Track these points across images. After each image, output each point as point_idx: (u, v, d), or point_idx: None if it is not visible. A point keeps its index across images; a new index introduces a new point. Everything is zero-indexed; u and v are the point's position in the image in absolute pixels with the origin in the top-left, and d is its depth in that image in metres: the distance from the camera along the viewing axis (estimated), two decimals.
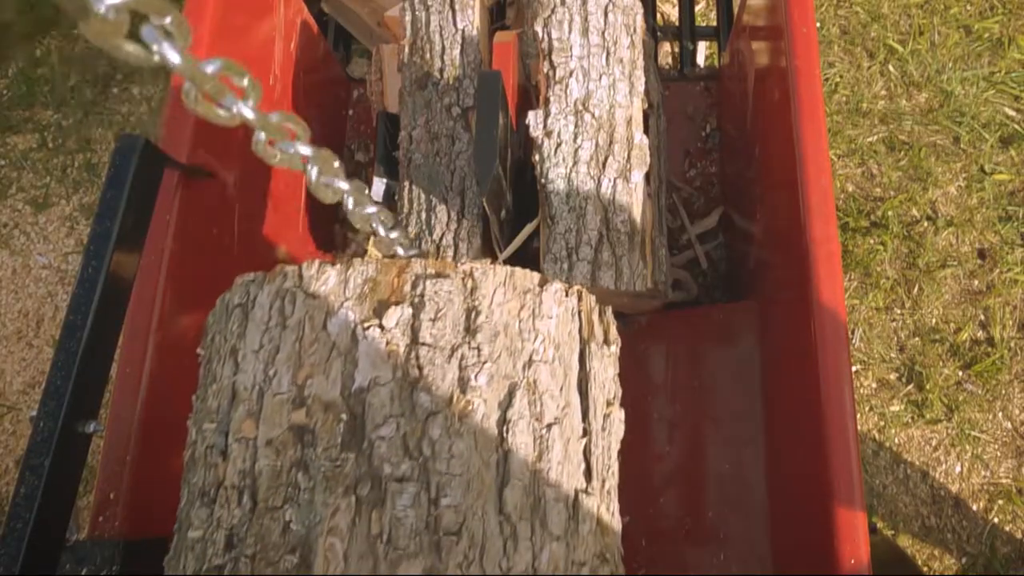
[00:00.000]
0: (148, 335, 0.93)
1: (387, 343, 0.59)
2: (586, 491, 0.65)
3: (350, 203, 0.71)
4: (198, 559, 0.58)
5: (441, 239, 1.11)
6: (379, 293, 0.62)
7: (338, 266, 0.64)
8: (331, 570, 0.52)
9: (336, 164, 0.66)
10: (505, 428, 0.60)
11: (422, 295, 0.61)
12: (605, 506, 0.67)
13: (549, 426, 0.63)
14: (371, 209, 0.75)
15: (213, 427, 0.63)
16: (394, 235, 0.82)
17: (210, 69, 0.50)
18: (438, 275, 0.63)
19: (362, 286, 0.62)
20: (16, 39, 2.29)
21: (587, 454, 0.67)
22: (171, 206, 0.97)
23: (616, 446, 0.73)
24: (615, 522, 0.69)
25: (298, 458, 0.57)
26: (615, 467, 0.72)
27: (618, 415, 0.73)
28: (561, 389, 0.66)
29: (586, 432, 0.68)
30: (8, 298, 2.03)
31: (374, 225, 0.78)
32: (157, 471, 0.94)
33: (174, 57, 0.46)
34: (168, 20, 0.46)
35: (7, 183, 2.14)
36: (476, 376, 0.60)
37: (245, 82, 0.54)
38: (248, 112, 0.54)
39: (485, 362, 0.60)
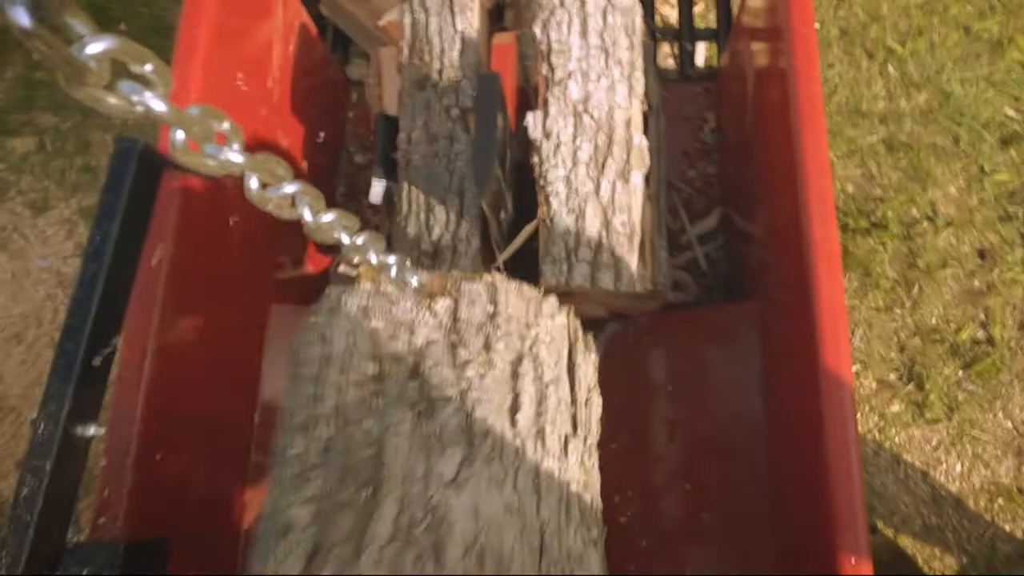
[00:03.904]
0: (148, 337, 0.93)
1: (437, 319, 0.85)
2: (573, 435, 0.86)
3: (344, 239, 0.72)
4: (299, 462, 0.77)
5: (440, 240, 1.11)
6: (429, 290, 0.87)
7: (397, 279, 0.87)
8: (398, 458, 0.73)
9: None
10: (515, 378, 0.83)
11: (459, 291, 0.86)
12: (588, 454, 0.89)
13: (547, 384, 0.85)
14: (378, 256, 0.78)
15: (311, 382, 0.82)
16: (391, 263, 0.85)
17: (193, 113, 0.50)
18: (470, 280, 0.88)
19: (417, 287, 0.86)
20: (14, 43, 2.29)
21: (574, 417, 0.88)
22: (170, 208, 0.97)
23: (596, 420, 0.93)
24: (595, 472, 0.90)
25: (376, 390, 0.80)
26: (595, 431, 0.92)
27: (597, 400, 0.94)
28: (555, 363, 0.88)
29: (573, 401, 0.89)
30: (7, 301, 2.03)
31: (385, 265, 0.84)
32: (158, 473, 0.95)
33: (159, 106, 0.46)
34: (149, 67, 0.45)
35: (6, 186, 2.14)
36: (496, 342, 0.83)
37: (226, 126, 0.54)
38: (236, 157, 0.54)
39: (502, 334, 0.84)
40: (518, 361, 0.84)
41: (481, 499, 0.72)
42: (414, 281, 0.90)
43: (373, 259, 0.80)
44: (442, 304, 0.85)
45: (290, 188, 0.62)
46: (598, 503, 0.87)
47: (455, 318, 0.84)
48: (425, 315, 0.84)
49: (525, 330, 0.87)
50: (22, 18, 0.36)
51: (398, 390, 0.79)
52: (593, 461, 0.90)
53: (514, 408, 0.81)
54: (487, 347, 0.82)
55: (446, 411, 0.77)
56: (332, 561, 0.68)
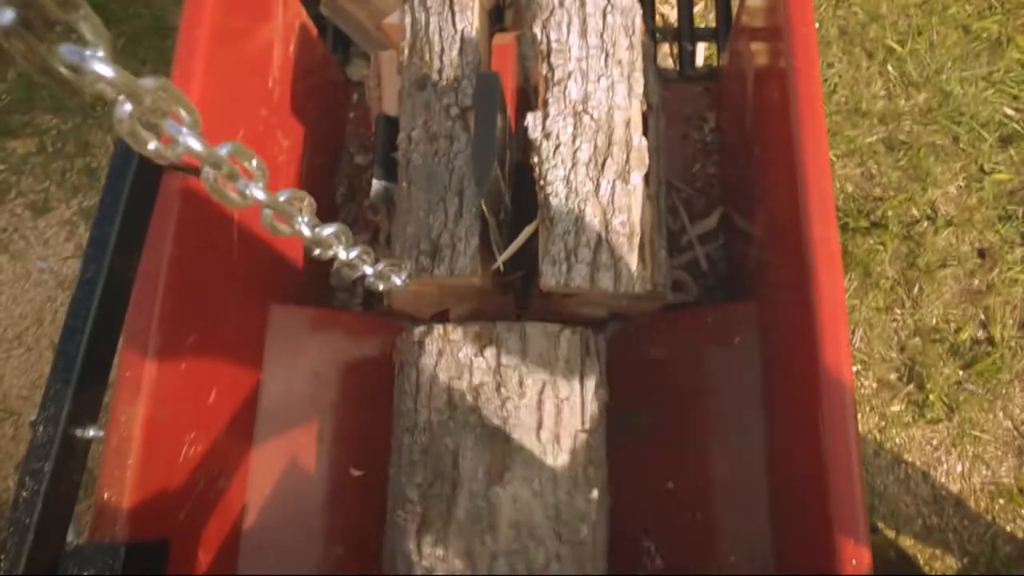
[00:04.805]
0: (148, 338, 0.93)
1: (486, 363, 1.14)
2: (582, 429, 1.14)
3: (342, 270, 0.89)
4: (408, 453, 1.12)
5: (439, 238, 1.11)
6: (479, 341, 1.15)
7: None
8: (466, 465, 1.07)
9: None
10: (540, 404, 1.12)
11: (498, 339, 1.15)
12: (593, 436, 1.16)
13: (562, 400, 1.13)
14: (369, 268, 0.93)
15: (410, 398, 1.15)
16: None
17: (224, 152, 0.56)
18: (507, 329, 1.15)
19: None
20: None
21: (582, 414, 1.15)
22: (170, 209, 0.97)
23: (600, 408, 1.19)
24: (599, 446, 1.19)
25: (450, 415, 1.12)
26: (601, 415, 1.19)
27: (602, 392, 1.20)
28: (568, 381, 1.15)
29: (583, 403, 1.15)
30: (7, 302, 2.03)
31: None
32: (157, 475, 0.94)
33: (196, 145, 0.52)
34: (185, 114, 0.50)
35: (6, 188, 2.14)
36: (526, 378, 1.13)
37: (254, 163, 0.60)
38: (259, 194, 0.62)
39: (529, 371, 1.13)
40: (542, 389, 1.11)
41: (518, 491, 1.06)
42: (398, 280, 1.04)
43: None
44: (489, 352, 1.13)
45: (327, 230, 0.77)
46: (601, 471, 1.15)
47: (499, 363, 1.12)
48: (480, 361, 1.12)
49: (548, 363, 1.13)
50: (3, 15, 0.33)
51: (463, 418, 1.10)
52: (599, 438, 1.17)
53: (539, 427, 1.09)
54: (521, 383, 1.11)
55: (495, 434, 1.08)
56: (431, 533, 1.04)
